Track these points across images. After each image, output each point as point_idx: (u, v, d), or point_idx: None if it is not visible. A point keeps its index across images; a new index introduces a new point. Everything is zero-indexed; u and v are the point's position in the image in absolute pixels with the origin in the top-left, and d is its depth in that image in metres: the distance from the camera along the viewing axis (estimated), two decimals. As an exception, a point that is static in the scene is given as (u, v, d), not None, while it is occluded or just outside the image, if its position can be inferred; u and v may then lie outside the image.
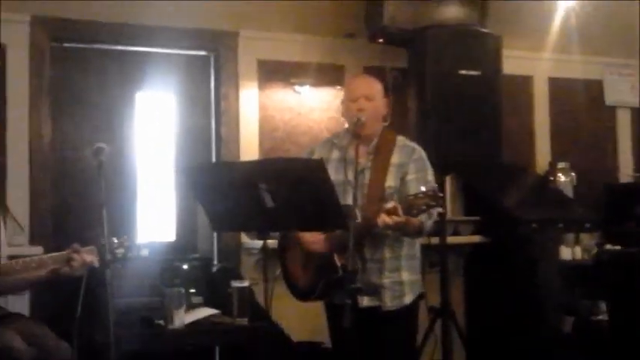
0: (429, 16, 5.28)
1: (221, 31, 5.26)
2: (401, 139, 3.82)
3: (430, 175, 3.75)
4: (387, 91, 3.91)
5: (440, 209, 3.59)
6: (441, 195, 3.46)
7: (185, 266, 4.45)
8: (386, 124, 3.86)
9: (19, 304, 4.24)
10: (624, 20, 6.00)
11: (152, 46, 5.17)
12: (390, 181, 3.70)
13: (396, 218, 3.38)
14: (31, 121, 4.80)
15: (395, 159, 3.74)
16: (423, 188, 3.52)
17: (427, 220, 3.58)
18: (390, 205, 3.43)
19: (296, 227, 3.74)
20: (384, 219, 3.41)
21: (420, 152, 3.78)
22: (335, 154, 3.80)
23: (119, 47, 5.14)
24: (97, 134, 4.83)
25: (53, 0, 4.83)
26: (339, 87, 5.41)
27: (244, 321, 4.18)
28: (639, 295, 4.73)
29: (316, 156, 3.85)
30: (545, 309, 5.29)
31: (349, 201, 3.54)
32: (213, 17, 5.20)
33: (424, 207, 3.40)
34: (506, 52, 5.33)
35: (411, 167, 3.73)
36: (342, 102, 3.89)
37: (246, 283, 4.27)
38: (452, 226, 5.34)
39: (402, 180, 3.71)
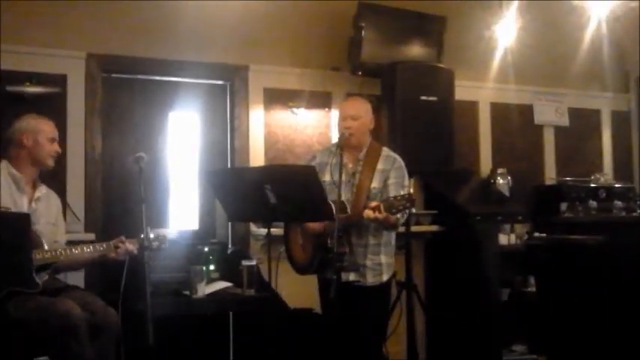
0: (397, 54, 5.32)
1: (235, 65, 5.25)
2: (385, 150, 3.85)
3: (407, 181, 3.79)
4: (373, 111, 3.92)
5: (413, 210, 3.62)
6: (414, 199, 3.50)
7: (206, 249, 4.46)
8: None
9: (76, 278, 4.24)
10: (551, 57, 6.08)
11: (181, 76, 5.16)
12: (375, 184, 3.73)
13: (377, 214, 3.43)
14: (85, 135, 4.79)
15: (380, 165, 3.77)
16: (402, 192, 3.57)
17: (401, 217, 3.62)
18: (374, 203, 3.48)
19: (293, 219, 3.78)
20: (368, 213, 3.45)
21: (400, 162, 3.82)
22: (332, 160, 3.77)
23: (155, 77, 5.13)
24: (138, 146, 4.81)
25: (104, 39, 4.84)
26: (327, 109, 5.44)
27: (252, 292, 4.20)
28: (560, 271, 4.74)
29: (317, 161, 3.89)
30: (487, 282, 5.31)
31: (342, 198, 3.57)
32: (229, 54, 5.21)
33: (401, 207, 3.43)
34: (457, 82, 5.34)
35: (392, 173, 3.76)
36: (338, 118, 3.91)
37: (253, 262, 4.29)
38: (415, 218, 5.35)
39: (385, 183, 3.74)
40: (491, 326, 5.24)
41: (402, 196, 3.46)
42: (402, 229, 4.73)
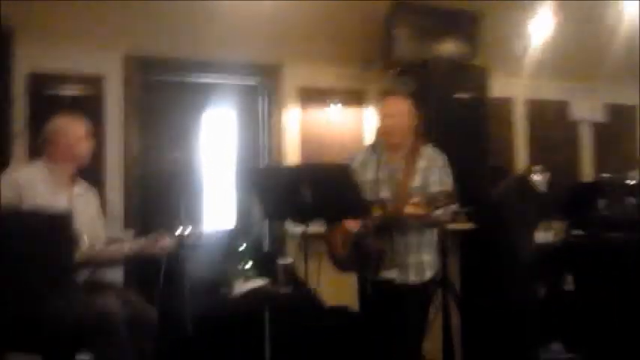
0: (431, 51, 5.27)
1: (269, 64, 5.26)
2: (428, 147, 3.79)
3: (449, 178, 3.71)
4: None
5: (454, 207, 3.56)
6: (455, 195, 3.45)
7: (242, 247, 4.44)
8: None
9: (115, 275, 4.26)
10: (586, 52, 5.96)
11: (216, 76, 5.18)
12: (417, 181, 3.67)
13: (418, 210, 3.38)
14: (123, 136, 4.84)
15: (421, 163, 3.71)
16: (444, 189, 3.52)
17: (443, 214, 3.58)
18: (415, 200, 3.43)
19: (330, 217, 3.75)
20: (409, 209, 3.40)
21: (444, 159, 3.75)
22: (372, 158, 3.76)
23: (191, 79, 5.16)
24: (173, 146, 4.86)
25: (140, 42, 4.87)
26: (361, 107, 5.42)
27: (288, 290, 4.19)
28: (598, 269, 4.67)
29: (356, 161, 3.84)
30: (523, 281, 5.24)
31: (382, 195, 3.54)
32: (263, 54, 5.21)
33: (442, 203, 3.38)
34: (491, 79, 5.30)
35: (435, 170, 3.69)
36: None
37: (289, 260, 4.27)
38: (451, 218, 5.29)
39: (426, 181, 3.67)
40: (527, 325, 5.17)
41: (443, 192, 3.41)
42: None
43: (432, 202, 3.39)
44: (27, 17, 4.41)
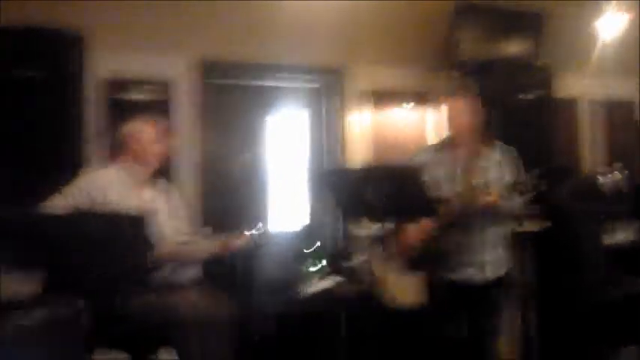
0: (495, 52, 5.24)
1: (334, 67, 5.27)
2: (497, 142, 3.80)
3: (521, 171, 3.68)
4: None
5: (531, 195, 3.50)
6: (536, 183, 3.41)
7: (313, 247, 4.47)
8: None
9: (190, 274, 4.28)
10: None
11: (281, 80, 5.20)
12: (484, 177, 3.65)
13: (494, 199, 3.39)
14: (190, 139, 4.87)
15: (488, 160, 3.70)
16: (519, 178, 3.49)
17: (515, 208, 3.56)
18: (491, 190, 3.43)
19: (401, 217, 3.74)
20: (486, 199, 3.39)
21: (514, 152, 3.74)
22: (438, 157, 3.76)
23: (257, 82, 5.19)
24: (240, 148, 4.90)
25: (207, 47, 4.91)
26: (425, 108, 5.39)
27: (360, 290, 4.18)
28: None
29: (420, 160, 3.83)
30: (592, 282, 5.15)
31: (449, 194, 3.52)
32: (327, 56, 5.21)
33: (520, 192, 3.35)
34: (555, 80, 5.25)
35: (504, 167, 3.69)
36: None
37: (361, 260, 4.27)
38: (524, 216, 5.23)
39: (495, 176, 3.66)
40: (597, 327, 5.06)
41: (522, 180, 3.38)
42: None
43: (510, 189, 3.37)
44: (99, 24, 4.48)
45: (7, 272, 3.59)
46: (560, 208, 5.37)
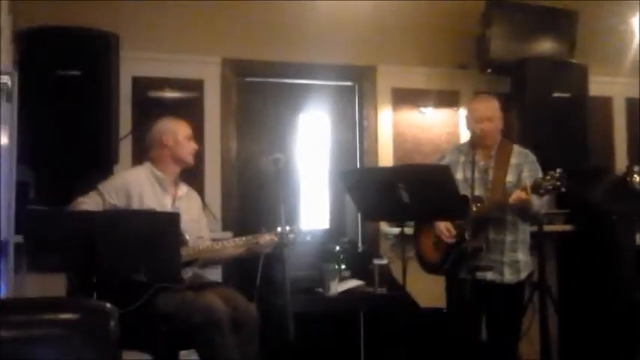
0: (527, 50, 5.16)
1: (363, 66, 5.25)
2: (517, 146, 3.83)
3: (541, 173, 3.68)
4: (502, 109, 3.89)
5: (563, 189, 3.47)
6: (565, 176, 3.38)
7: (337, 247, 4.48)
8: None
9: (213, 274, 4.33)
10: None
11: (310, 78, 5.21)
12: (510, 177, 3.71)
13: (524, 195, 3.40)
14: (221, 137, 4.91)
15: (513, 160, 3.75)
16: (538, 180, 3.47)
17: (541, 208, 3.63)
18: (522, 186, 3.45)
19: (427, 218, 3.74)
20: (518, 194, 3.42)
21: (533, 156, 3.78)
22: (462, 159, 3.82)
23: (286, 80, 5.20)
24: (270, 147, 4.91)
25: (238, 46, 4.95)
26: (455, 108, 5.35)
27: (383, 290, 4.20)
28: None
29: (446, 160, 3.88)
30: (623, 284, 5.07)
31: (476, 193, 3.54)
32: (356, 56, 5.21)
33: (550, 186, 3.35)
34: (590, 78, 5.16)
35: (526, 167, 3.73)
36: (467, 118, 3.88)
37: (385, 261, 4.28)
38: (547, 217, 5.18)
39: (519, 176, 3.70)
40: (627, 330, 5.00)
41: (551, 175, 3.36)
42: (533, 228, 4.61)
43: (538, 186, 3.37)
44: (132, 24, 4.57)
45: (44, 271, 3.71)
46: (595, 207, 5.31)
